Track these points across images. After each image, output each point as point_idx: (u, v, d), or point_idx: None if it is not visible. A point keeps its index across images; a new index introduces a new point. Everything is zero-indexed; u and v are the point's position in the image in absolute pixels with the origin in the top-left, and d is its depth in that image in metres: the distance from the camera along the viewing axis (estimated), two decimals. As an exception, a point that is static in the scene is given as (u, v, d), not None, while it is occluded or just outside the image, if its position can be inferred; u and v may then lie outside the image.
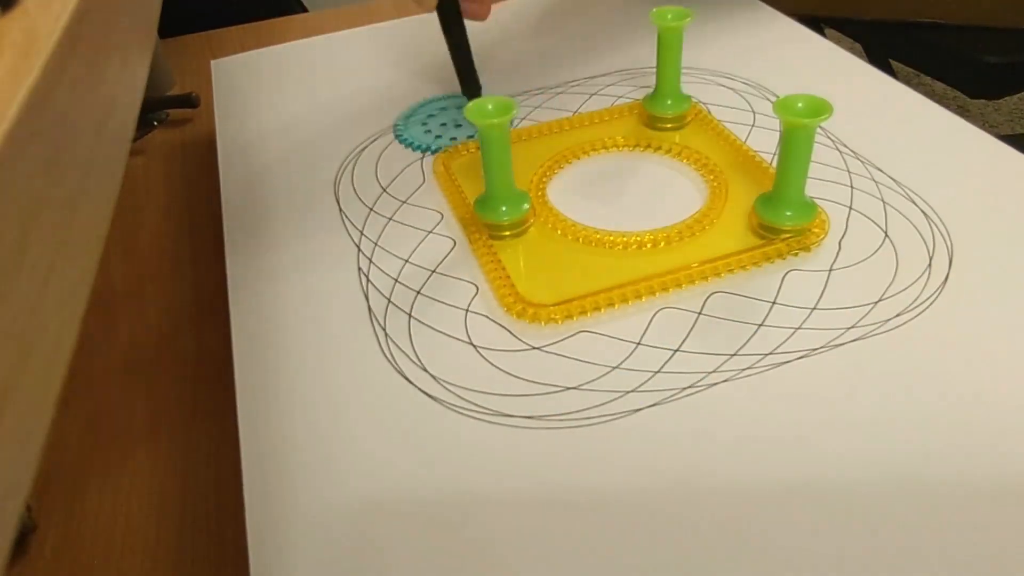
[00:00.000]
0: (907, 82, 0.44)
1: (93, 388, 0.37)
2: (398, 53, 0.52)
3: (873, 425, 0.26)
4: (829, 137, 0.40)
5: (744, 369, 0.28)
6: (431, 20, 0.58)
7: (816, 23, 0.73)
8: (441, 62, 0.51)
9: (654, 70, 0.41)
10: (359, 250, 0.36)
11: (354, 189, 0.40)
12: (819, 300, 0.31)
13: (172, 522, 0.31)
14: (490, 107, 0.32)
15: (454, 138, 0.42)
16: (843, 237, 0.33)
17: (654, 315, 0.31)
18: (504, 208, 0.34)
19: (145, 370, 0.38)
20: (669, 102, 0.41)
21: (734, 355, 0.29)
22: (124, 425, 0.35)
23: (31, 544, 0.30)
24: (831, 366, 0.28)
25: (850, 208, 0.35)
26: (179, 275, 0.43)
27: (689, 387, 0.28)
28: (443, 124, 0.43)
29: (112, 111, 0.20)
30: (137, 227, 0.47)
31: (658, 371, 0.28)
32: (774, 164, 0.37)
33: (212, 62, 0.54)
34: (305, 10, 0.79)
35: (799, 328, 0.30)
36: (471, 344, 0.30)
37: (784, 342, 0.29)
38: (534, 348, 0.30)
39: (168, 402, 0.36)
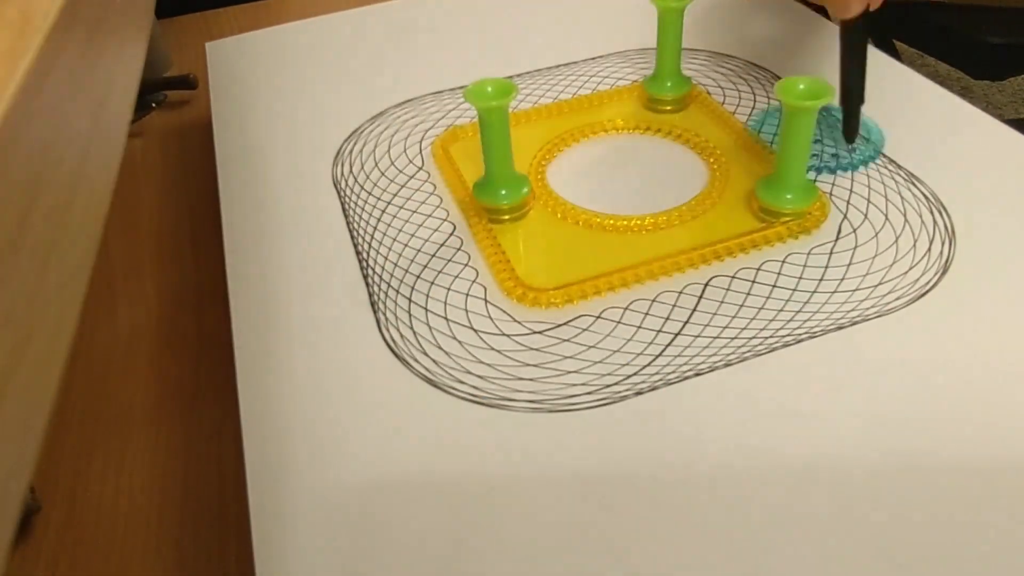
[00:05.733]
0: (911, 63, 0.44)
1: (94, 370, 0.37)
2: (397, 34, 0.52)
3: (873, 407, 0.26)
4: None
5: (744, 352, 0.28)
6: (433, 2, 0.57)
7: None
8: (442, 44, 0.50)
9: (654, 52, 0.41)
10: (358, 234, 0.36)
11: (352, 172, 0.40)
12: (819, 283, 0.31)
13: (174, 503, 0.31)
14: (490, 89, 0.32)
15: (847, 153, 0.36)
16: (843, 220, 0.33)
17: (654, 298, 0.31)
18: (503, 192, 0.34)
19: (146, 352, 0.38)
20: (669, 84, 0.41)
21: (734, 338, 0.29)
22: (125, 407, 0.35)
23: (35, 525, 0.31)
24: (831, 349, 0.28)
25: (851, 191, 0.35)
26: (179, 257, 0.43)
27: (689, 370, 0.28)
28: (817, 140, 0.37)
29: (110, 92, 0.20)
30: (136, 209, 0.47)
31: (659, 355, 0.28)
32: (775, 147, 0.37)
33: (207, 44, 0.53)
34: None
35: (799, 311, 0.30)
36: (471, 328, 0.30)
37: (784, 325, 0.29)
38: (534, 332, 0.30)
39: (169, 384, 0.36)
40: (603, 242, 0.34)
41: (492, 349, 0.29)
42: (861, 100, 0.35)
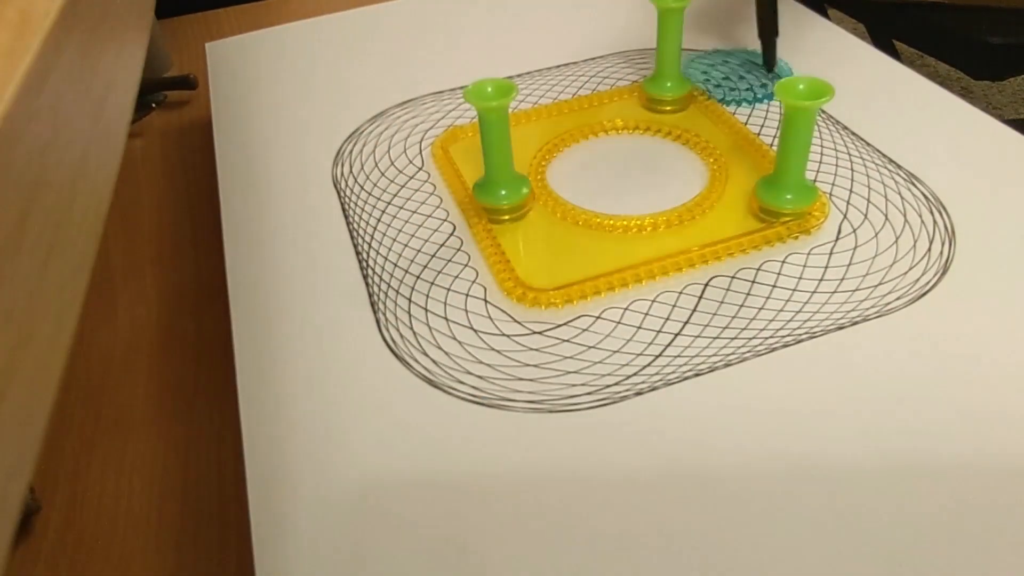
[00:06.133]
0: (911, 63, 0.44)
1: (94, 371, 0.37)
2: (397, 34, 0.52)
3: (873, 407, 0.26)
4: (830, 120, 0.40)
5: (744, 352, 0.28)
6: (433, 2, 0.57)
7: (819, 4, 0.73)
8: (442, 44, 0.50)
9: (654, 52, 0.41)
10: (357, 234, 0.36)
11: (352, 172, 0.40)
12: (819, 284, 0.31)
13: (174, 503, 0.31)
14: (490, 90, 0.32)
15: (749, 87, 0.42)
16: (843, 220, 0.33)
17: (654, 299, 0.31)
18: (503, 192, 0.34)
19: (146, 352, 0.38)
20: (669, 84, 0.41)
21: (734, 339, 0.29)
22: (125, 407, 0.35)
23: (35, 525, 0.31)
24: (831, 349, 0.28)
25: (851, 191, 0.35)
26: (178, 257, 0.43)
27: (689, 370, 0.28)
28: (727, 77, 0.43)
29: (110, 93, 0.20)
30: (136, 210, 0.47)
31: (659, 355, 0.28)
32: (775, 147, 0.37)
33: (207, 45, 0.53)
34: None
35: (799, 312, 0.30)
36: (471, 328, 0.30)
37: (784, 325, 0.29)
38: (534, 332, 0.30)
39: (169, 384, 0.36)
40: (603, 242, 0.34)
41: (492, 349, 0.29)
42: (775, 32, 0.42)
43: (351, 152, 0.41)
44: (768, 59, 0.42)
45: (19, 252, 0.13)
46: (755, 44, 0.43)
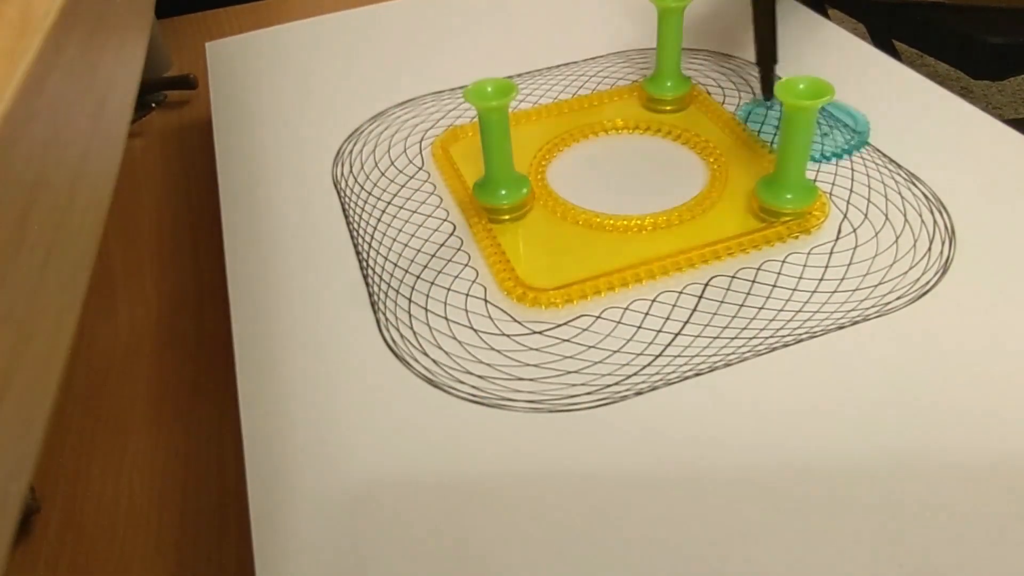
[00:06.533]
0: (911, 63, 0.44)
1: (94, 371, 0.37)
2: (398, 35, 0.52)
3: (873, 407, 0.26)
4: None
5: (745, 352, 0.28)
6: (433, 2, 0.57)
7: (819, 4, 0.73)
8: (442, 44, 0.50)
9: (654, 52, 0.41)
10: (358, 234, 0.36)
11: (352, 172, 0.40)
12: (819, 283, 0.31)
13: (174, 503, 0.31)
14: (490, 90, 0.32)
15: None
16: (843, 220, 0.33)
17: (654, 299, 0.31)
18: (503, 192, 0.34)
19: (146, 352, 0.38)
20: (669, 84, 0.41)
21: (734, 339, 0.29)
22: (125, 407, 0.35)
23: (35, 525, 0.31)
24: (831, 349, 0.28)
25: (851, 191, 0.35)
26: (178, 257, 0.43)
27: (689, 370, 0.28)
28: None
29: (110, 93, 0.20)
30: (136, 209, 0.47)
31: (659, 355, 0.28)
32: (775, 147, 0.37)
33: (207, 44, 0.53)
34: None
35: (799, 311, 0.30)
36: (471, 328, 0.30)
37: (784, 325, 0.29)
38: (534, 332, 0.30)
39: (169, 384, 0.36)
40: (603, 242, 0.34)
41: (492, 349, 0.29)
42: (774, 60, 0.40)
43: (351, 152, 0.41)
44: (765, 87, 0.40)
45: (19, 252, 0.13)
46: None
